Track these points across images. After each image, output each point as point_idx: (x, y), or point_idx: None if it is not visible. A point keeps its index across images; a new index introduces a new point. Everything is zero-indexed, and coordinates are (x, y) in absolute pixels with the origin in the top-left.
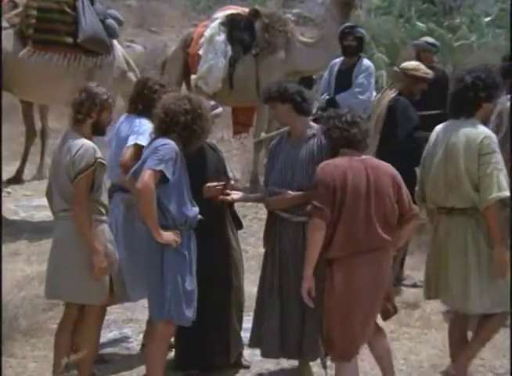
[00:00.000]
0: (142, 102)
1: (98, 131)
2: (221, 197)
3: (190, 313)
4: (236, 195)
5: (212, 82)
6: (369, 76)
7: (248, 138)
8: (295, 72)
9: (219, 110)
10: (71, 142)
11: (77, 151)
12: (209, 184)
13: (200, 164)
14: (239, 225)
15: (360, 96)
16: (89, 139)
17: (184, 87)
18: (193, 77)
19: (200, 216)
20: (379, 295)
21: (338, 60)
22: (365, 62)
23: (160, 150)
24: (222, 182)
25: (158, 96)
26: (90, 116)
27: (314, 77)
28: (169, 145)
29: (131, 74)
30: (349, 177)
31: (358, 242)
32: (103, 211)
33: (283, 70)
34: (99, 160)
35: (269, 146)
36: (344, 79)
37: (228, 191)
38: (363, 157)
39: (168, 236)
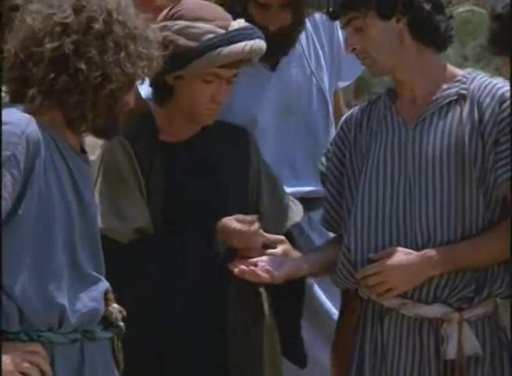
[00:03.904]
0: None
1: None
2: (247, 276)
3: None
4: (276, 268)
5: None
6: None
7: None
8: None
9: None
10: None
11: None
12: (237, 216)
13: (180, 180)
14: (299, 360)
15: None
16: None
17: None
18: None
19: (116, 306)
20: None
21: None
22: None
23: None
24: (254, 216)
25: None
26: None
27: None
28: (11, 125)
29: None
30: None
31: None
32: None
33: None
34: None
35: (337, 128)
36: None
37: (254, 260)
38: None
39: (9, 362)
